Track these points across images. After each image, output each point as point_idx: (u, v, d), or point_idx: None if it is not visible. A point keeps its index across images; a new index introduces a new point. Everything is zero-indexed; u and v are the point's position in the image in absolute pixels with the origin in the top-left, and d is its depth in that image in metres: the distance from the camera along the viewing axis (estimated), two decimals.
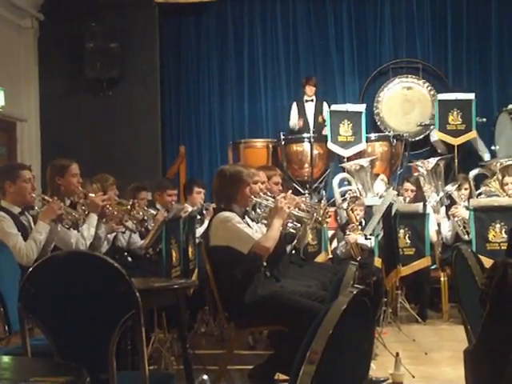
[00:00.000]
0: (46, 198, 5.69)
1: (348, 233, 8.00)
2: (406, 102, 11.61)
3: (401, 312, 7.82)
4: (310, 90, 10.69)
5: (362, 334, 2.19)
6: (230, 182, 5.41)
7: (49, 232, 5.45)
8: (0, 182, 5.53)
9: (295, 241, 6.68)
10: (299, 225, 6.06)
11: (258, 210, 5.95)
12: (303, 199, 6.65)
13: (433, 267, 8.24)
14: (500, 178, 8.79)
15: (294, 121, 10.72)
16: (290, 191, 6.31)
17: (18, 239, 5.29)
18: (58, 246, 5.57)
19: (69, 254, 3.98)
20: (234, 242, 5.18)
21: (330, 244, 8.22)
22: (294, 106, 10.79)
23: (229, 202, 5.39)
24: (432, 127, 10.76)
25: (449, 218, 8.49)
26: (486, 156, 10.39)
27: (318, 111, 10.58)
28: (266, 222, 5.75)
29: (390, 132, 10.55)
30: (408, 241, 7.90)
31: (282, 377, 5.10)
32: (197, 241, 6.64)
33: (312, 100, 10.71)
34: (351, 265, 3.43)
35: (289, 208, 5.58)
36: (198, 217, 7.29)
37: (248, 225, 5.44)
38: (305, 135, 10.27)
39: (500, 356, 2.64)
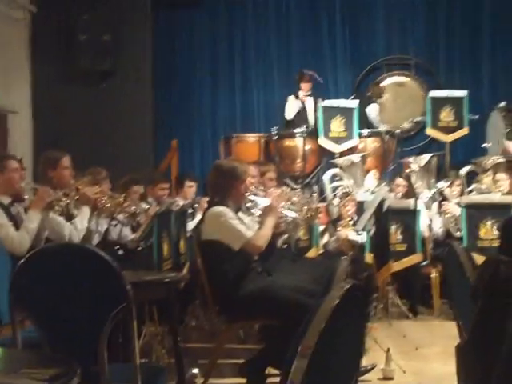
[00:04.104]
0: (37, 186, 5.67)
1: (339, 228, 7.99)
2: (398, 98, 11.62)
3: (392, 308, 7.83)
4: (305, 86, 10.63)
5: (354, 328, 2.19)
6: (227, 177, 5.41)
7: (41, 220, 5.44)
8: None
9: (286, 235, 6.68)
10: (291, 218, 6.05)
11: (249, 204, 5.94)
12: (296, 193, 6.65)
13: (424, 263, 8.25)
14: (492, 175, 8.80)
15: (291, 112, 10.62)
16: (285, 187, 6.31)
17: (10, 229, 5.27)
18: (51, 238, 5.55)
19: (60, 246, 3.97)
20: (226, 238, 5.18)
21: (321, 239, 8.21)
22: (292, 98, 10.69)
23: (223, 196, 5.38)
24: (424, 123, 10.78)
25: (440, 215, 8.50)
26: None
27: (317, 107, 10.54)
28: (256, 217, 5.74)
29: (381, 128, 10.55)
30: (399, 237, 7.89)
31: (273, 371, 5.10)
32: (188, 234, 6.63)
33: (310, 95, 10.67)
34: (343, 259, 3.43)
35: (282, 207, 5.59)
36: (190, 211, 7.28)
37: (241, 220, 5.43)
38: (297, 130, 10.25)
39: (491, 351, 2.65)
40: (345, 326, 2.07)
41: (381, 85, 11.38)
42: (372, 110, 10.59)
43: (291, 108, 10.63)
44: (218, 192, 5.43)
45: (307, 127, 10.25)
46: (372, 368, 5.52)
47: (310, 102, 10.67)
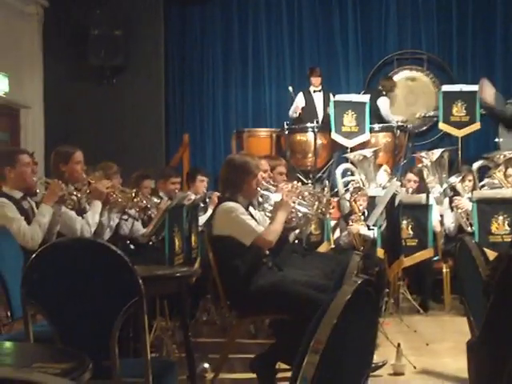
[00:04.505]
0: (49, 180, 5.69)
1: (351, 223, 7.99)
2: (410, 93, 11.59)
3: (403, 303, 7.81)
4: (315, 80, 10.66)
5: (365, 324, 2.18)
6: (238, 172, 5.40)
7: (52, 214, 5.46)
8: (0, 167, 5.53)
9: (298, 230, 6.68)
10: (302, 214, 6.05)
11: (260, 199, 5.94)
12: (307, 188, 6.65)
13: (435, 258, 8.23)
14: (503, 170, 8.77)
15: (293, 108, 10.64)
16: (296, 182, 6.29)
17: (22, 223, 5.29)
18: (63, 232, 5.57)
19: (72, 240, 3.98)
20: (237, 233, 5.18)
21: (333, 234, 8.20)
22: (300, 96, 10.71)
23: (235, 192, 5.38)
24: (436, 118, 10.78)
25: (452, 210, 8.48)
26: None
27: (327, 102, 10.53)
28: (267, 212, 5.74)
29: (394, 123, 10.53)
30: (411, 232, 7.89)
31: (283, 366, 5.11)
32: (199, 229, 6.64)
33: (320, 90, 10.67)
34: (355, 255, 3.42)
35: (293, 201, 5.59)
36: (201, 205, 7.29)
37: (252, 215, 5.43)
38: (308, 125, 10.25)
39: (504, 347, 2.64)
40: (356, 321, 2.07)
41: (393, 78, 11.34)
42: (382, 103, 10.56)
43: (294, 107, 10.62)
44: (230, 187, 5.43)
45: (317, 122, 10.24)
46: (383, 365, 5.51)
47: (319, 97, 10.66)
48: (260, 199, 5.87)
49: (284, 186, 5.78)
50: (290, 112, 10.69)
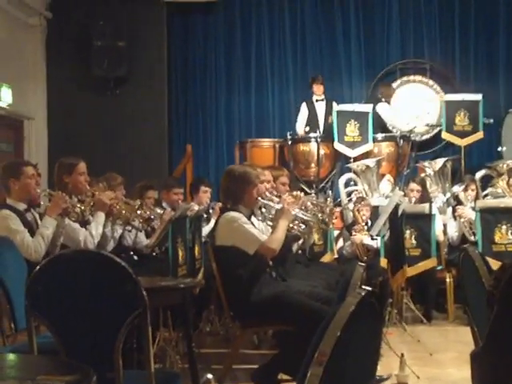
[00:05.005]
0: (53, 193, 5.70)
1: (354, 233, 7.99)
2: (413, 102, 11.60)
3: (406, 313, 7.80)
4: (318, 88, 10.66)
5: (369, 335, 2.19)
6: (238, 182, 5.42)
7: (56, 226, 5.47)
8: (4, 179, 5.54)
9: (301, 240, 6.68)
10: (304, 226, 6.06)
11: (264, 210, 5.94)
12: (310, 198, 6.66)
13: (438, 268, 8.23)
14: (507, 179, 8.78)
15: (301, 126, 10.67)
16: (299, 192, 6.30)
17: (25, 235, 5.30)
18: (66, 244, 5.57)
19: (76, 252, 3.98)
20: (240, 243, 5.19)
21: (336, 244, 8.21)
22: (304, 106, 10.73)
23: (236, 202, 5.40)
24: (439, 128, 10.79)
25: (455, 219, 8.47)
26: None
27: (329, 111, 10.54)
28: (271, 223, 5.74)
29: (396, 132, 10.53)
30: (414, 241, 7.89)
31: (285, 377, 5.10)
32: (203, 240, 6.64)
33: (322, 99, 10.69)
34: (359, 266, 3.42)
35: (295, 209, 5.59)
36: (205, 216, 7.29)
37: (254, 225, 5.44)
38: (312, 135, 10.26)
39: (508, 358, 2.64)
40: (360, 333, 2.07)
41: (393, 86, 11.35)
42: (381, 109, 10.57)
43: (301, 119, 10.67)
44: (231, 197, 5.45)
45: (319, 132, 10.26)
46: (387, 378, 5.49)
47: (321, 107, 10.68)
48: (264, 210, 5.87)
49: (287, 197, 5.77)
50: (297, 129, 10.70)
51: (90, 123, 10.94)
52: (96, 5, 10.92)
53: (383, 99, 10.75)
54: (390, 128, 10.69)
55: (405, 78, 11.68)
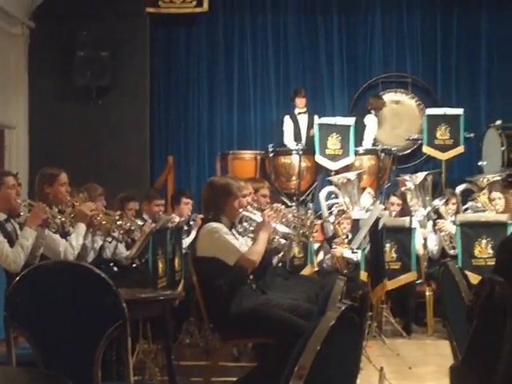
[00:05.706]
0: (33, 203, 5.67)
1: (334, 246, 8.00)
2: (394, 116, 11.65)
3: (385, 326, 7.82)
4: (300, 102, 10.68)
5: (349, 349, 2.19)
6: (220, 193, 5.43)
7: (36, 237, 5.44)
8: None
9: (281, 253, 6.68)
10: (284, 241, 6.07)
11: (245, 224, 5.94)
12: (291, 210, 6.66)
13: (418, 281, 8.25)
14: (487, 193, 8.82)
15: (290, 139, 10.69)
16: (279, 204, 6.31)
17: (4, 246, 5.27)
18: (46, 254, 5.54)
19: (56, 263, 3.97)
20: (221, 254, 5.19)
21: (316, 257, 8.21)
22: (287, 119, 10.75)
23: (217, 213, 5.40)
24: (420, 141, 10.84)
25: (435, 233, 8.50)
26: None
27: (310, 124, 10.56)
28: (252, 235, 5.74)
29: (378, 146, 10.57)
30: (394, 255, 7.91)
31: None
32: (183, 251, 6.63)
33: (305, 112, 10.71)
34: (339, 279, 3.42)
35: (275, 221, 5.60)
36: (185, 227, 7.28)
37: (235, 236, 5.44)
38: (293, 147, 10.28)
39: (486, 372, 2.65)
40: (340, 346, 2.07)
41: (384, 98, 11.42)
42: (370, 121, 10.63)
43: (288, 132, 10.69)
44: (212, 208, 5.45)
45: (301, 144, 10.28)
46: None
47: (303, 120, 10.70)
48: (245, 224, 5.86)
49: (267, 211, 5.77)
50: (287, 142, 10.71)
51: (71, 133, 10.89)
52: (79, 15, 10.89)
53: (372, 111, 10.80)
54: (373, 142, 10.73)
55: (386, 92, 11.73)
